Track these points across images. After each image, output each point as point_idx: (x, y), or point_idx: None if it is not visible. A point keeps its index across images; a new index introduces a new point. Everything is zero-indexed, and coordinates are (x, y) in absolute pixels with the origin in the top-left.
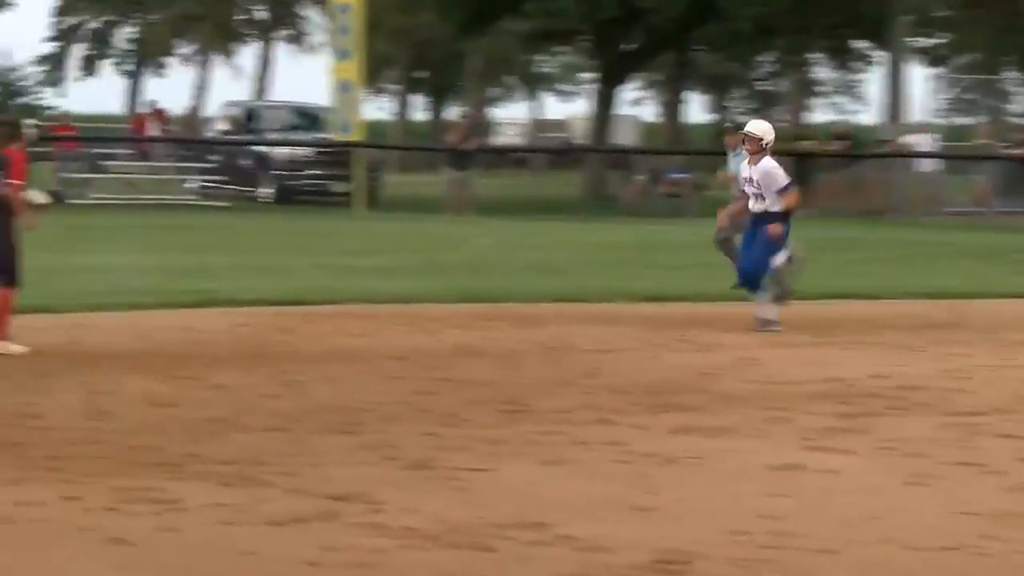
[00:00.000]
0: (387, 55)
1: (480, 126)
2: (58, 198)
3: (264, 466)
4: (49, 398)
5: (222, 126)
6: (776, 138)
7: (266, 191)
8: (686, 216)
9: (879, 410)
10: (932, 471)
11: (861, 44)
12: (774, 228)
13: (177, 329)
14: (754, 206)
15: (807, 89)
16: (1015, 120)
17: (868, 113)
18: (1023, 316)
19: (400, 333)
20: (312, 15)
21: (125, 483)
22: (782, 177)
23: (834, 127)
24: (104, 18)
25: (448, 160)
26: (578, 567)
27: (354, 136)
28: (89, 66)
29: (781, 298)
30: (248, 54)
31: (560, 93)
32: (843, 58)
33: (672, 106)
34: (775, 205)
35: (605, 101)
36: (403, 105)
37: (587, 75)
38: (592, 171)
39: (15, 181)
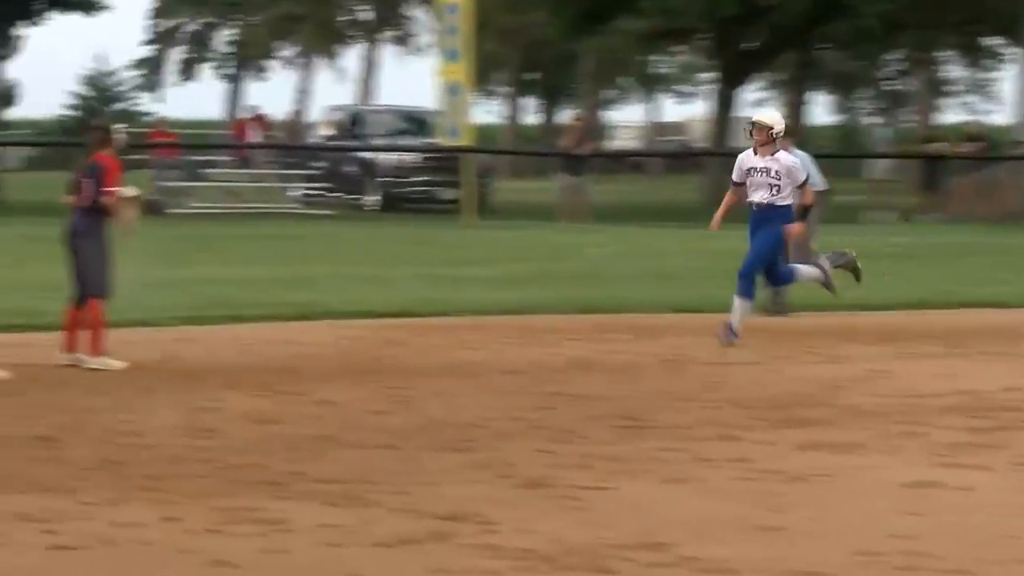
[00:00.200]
0: (497, 56)
1: (594, 129)
2: (156, 208)
3: (372, 485)
4: (148, 415)
5: (326, 131)
6: (905, 140)
7: (372, 199)
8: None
9: (1015, 424)
10: None
11: (993, 41)
12: (796, 229)
13: (280, 343)
14: (760, 197)
15: (937, 88)
16: None
17: (1001, 113)
18: None
19: (513, 346)
20: (419, 15)
21: (227, 503)
22: (801, 171)
23: (966, 128)
24: (203, 20)
25: (561, 165)
26: None
27: (463, 141)
28: (187, 70)
29: (845, 266)
30: (352, 56)
31: (678, 94)
32: (974, 56)
33: (795, 107)
34: (785, 199)
35: (725, 102)
36: (514, 108)
37: (706, 75)
38: (712, 175)
39: (111, 189)
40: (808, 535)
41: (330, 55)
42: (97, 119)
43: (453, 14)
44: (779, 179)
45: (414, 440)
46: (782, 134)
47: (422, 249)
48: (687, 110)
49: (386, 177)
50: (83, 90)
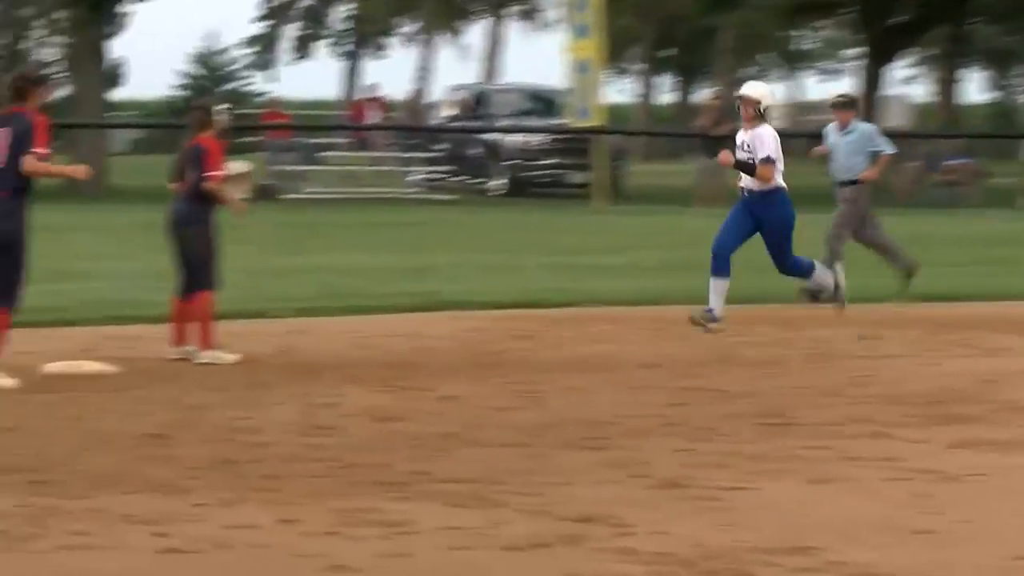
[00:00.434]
0: (630, 31)
1: (733, 109)
2: (269, 193)
3: (500, 485)
4: (263, 411)
5: (448, 112)
6: None
7: (497, 183)
8: (965, 206)
9: None
10: None
11: None
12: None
13: (401, 335)
14: (748, 181)
15: None
16: None
17: None
18: None
19: (648, 338)
20: None
21: (346, 504)
22: (769, 147)
23: None
24: None
25: (698, 147)
26: None
27: (593, 121)
28: (302, 48)
29: (823, 295)
30: (476, 33)
31: (822, 72)
32: None
33: (947, 84)
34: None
35: (872, 80)
36: (647, 87)
37: (852, 51)
38: None
39: (215, 173)
40: (962, 538)
41: (453, 31)
42: (198, 99)
43: None
44: (750, 151)
45: (543, 438)
46: (770, 109)
47: (550, 236)
48: (832, 88)
49: (512, 160)
50: (193, 69)
